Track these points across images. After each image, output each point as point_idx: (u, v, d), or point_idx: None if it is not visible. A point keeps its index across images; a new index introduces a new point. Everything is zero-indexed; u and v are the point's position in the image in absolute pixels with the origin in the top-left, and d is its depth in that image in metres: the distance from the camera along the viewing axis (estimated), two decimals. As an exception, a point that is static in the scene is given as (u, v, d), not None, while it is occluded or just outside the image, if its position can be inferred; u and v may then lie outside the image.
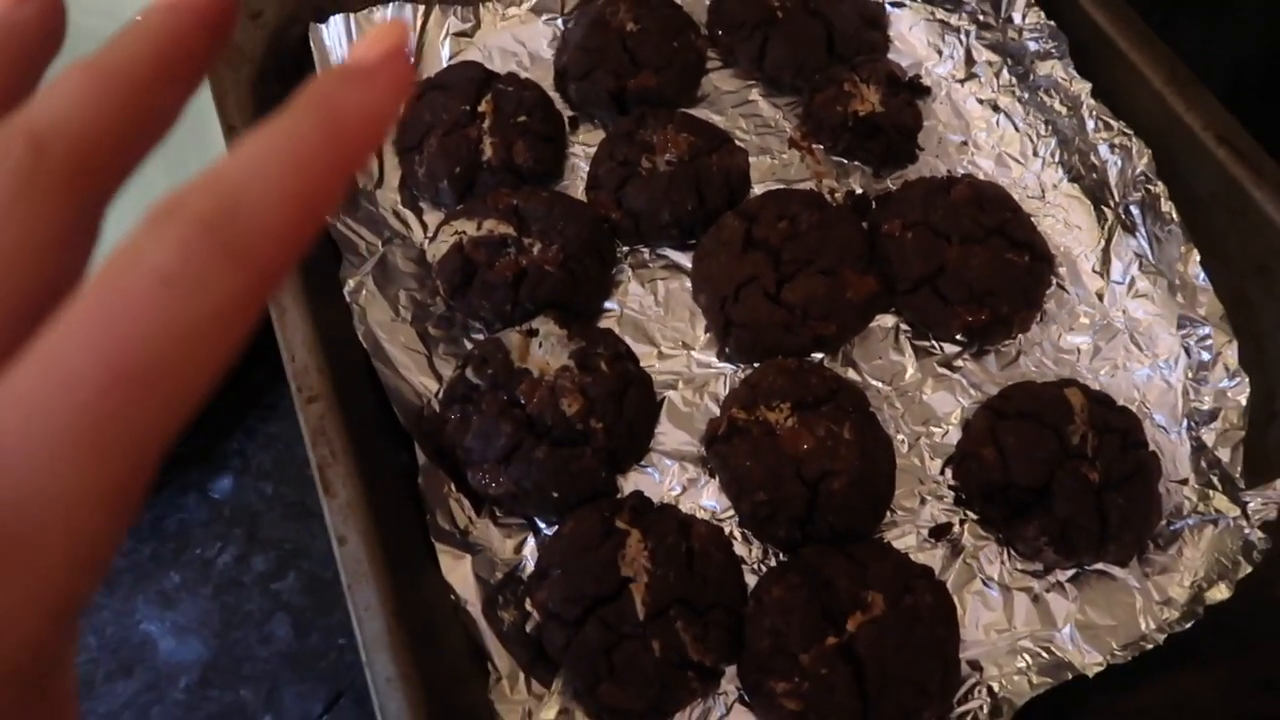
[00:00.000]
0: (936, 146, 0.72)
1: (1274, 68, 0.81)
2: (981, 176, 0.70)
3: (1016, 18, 0.70)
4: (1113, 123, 0.65)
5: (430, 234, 0.68)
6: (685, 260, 0.67)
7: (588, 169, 0.71)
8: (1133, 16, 0.65)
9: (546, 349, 0.61)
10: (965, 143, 0.72)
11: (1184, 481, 0.59)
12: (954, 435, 0.61)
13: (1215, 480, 0.57)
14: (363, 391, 0.58)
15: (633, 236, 0.68)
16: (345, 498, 0.50)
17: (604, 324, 0.66)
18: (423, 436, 0.58)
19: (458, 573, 0.54)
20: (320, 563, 0.60)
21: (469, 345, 0.64)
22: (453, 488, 0.58)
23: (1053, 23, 0.68)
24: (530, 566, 0.57)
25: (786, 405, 0.58)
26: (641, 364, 0.63)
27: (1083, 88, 0.66)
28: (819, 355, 0.64)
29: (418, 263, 0.67)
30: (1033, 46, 0.69)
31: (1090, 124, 0.65)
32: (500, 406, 0.58)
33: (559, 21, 0.78)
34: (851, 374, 0.63)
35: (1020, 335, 0.64)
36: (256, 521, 0.61)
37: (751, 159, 0.71)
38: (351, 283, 0.63)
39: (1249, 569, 0.53)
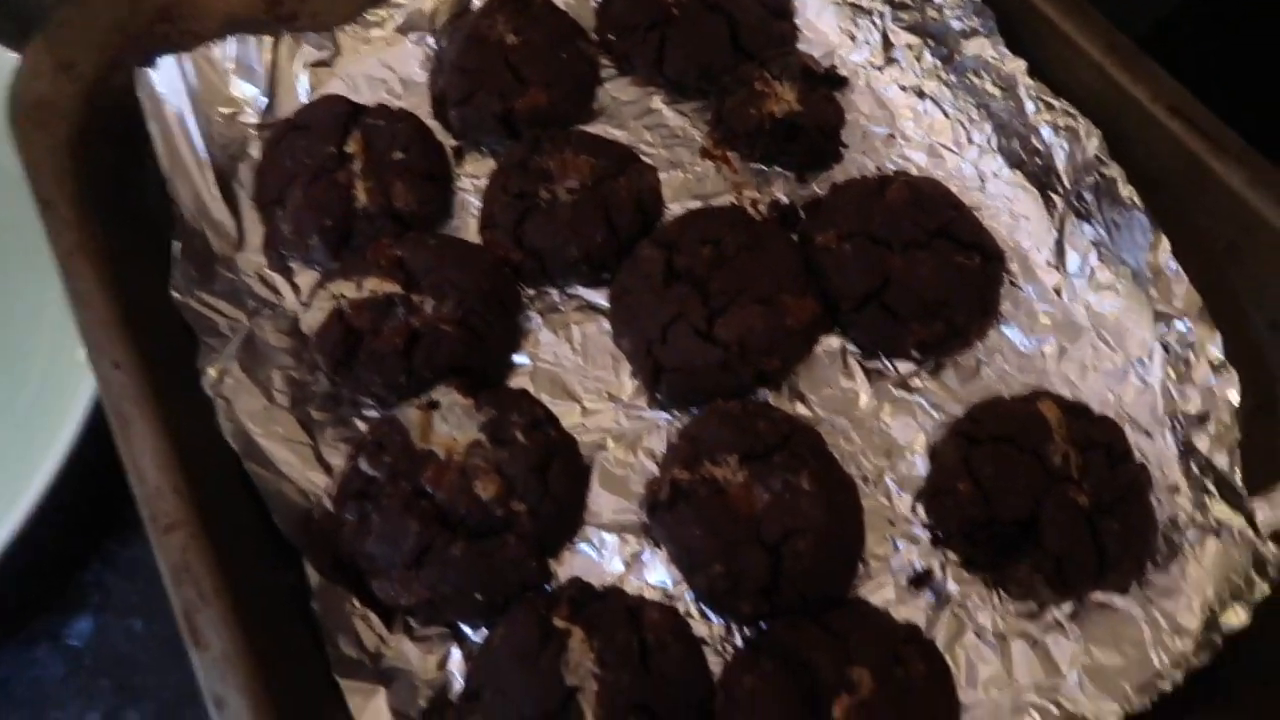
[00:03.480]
0: (861, 142, 0.65)
1: (1199, 16, 0.77)
2: (914, 171, 0.63)
3: (934, -3, 0.64)
4: (1054, 102, 0.59)
5: (305, 298, 0.59)
6: (600, 298, 0.60)
7: (480, 206, 0.62)
8: (1060, -17, 0.59)
9: (452, 423, 0.52)
10: (892, 135, 0.65)
11: (1174, 489, 0.53)
12: (921, 465, 0.54)
13: (1210, 486, 0.52)
14: (234, 503, 0.49)
15: (538, 278, 0.60)
16: (220, 649, 0.41)
17: (515, 383, 0.57)
18: (314, 547, 0.49)
19: (371, 712, 0.45)
20: (211, 706, 0.51)
21: (362, 427, 0.55)
22: (356, 603, 0.49)
23: (975, -3, 0.62)
24: (458, 684, 0.48)
25: (734, 458, 0.51)
26: (563, 424, 0.55)
27: (1016, 66, 0.60)
28: (762, 392, 0.56)
29: (291, 335, 0.58)
30: (956, 25, 0.63)
31: (1029, 105, 0.59)
32: (404, 500, 0.50)
33: (430, 40, 0.70)
34: (800, 408, 0.56)
35: (978, 343, 0.58)
36: (127, 668, 0.51)
37: (662, 175, 0.63)
38: (212, 371, 0.53)
39: (1266, 589, 0.48)
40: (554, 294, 0.60)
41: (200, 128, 0.62)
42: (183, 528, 0.44)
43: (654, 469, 0.54)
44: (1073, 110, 0.58)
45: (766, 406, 0.54)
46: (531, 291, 0.60)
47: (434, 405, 0.53)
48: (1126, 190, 0.55)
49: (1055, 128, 0.58)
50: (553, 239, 0.58)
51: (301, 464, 0.53)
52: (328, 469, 0.53)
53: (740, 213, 0.60)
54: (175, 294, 0.55)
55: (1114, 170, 0.56)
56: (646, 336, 0.55)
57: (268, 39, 0.65)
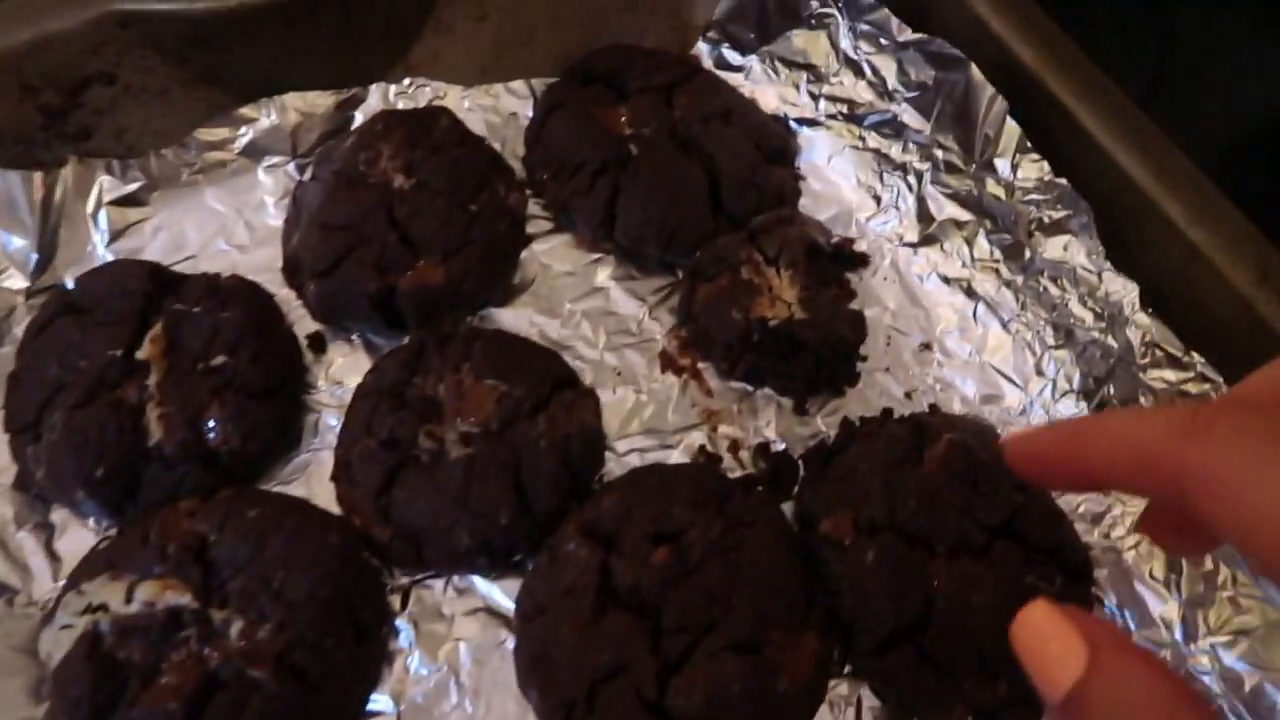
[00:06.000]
0: (884, 353, 0.47)
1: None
2: (957, 406, 0.45)
3: (1002, 167, 0.45)
4: (1181, 355, 0.40)
5: (54, 592, 0.39)
6: (505, 597, 0.41)
7: (338, 434, 0.43)
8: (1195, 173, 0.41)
9: None
10: (928, 346, 0.47)
11: None
12: None
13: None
14: None
15: (412, 564, 0.41)
16: None
17: (368, 740, 0.38)
18: None
19: None
20: None
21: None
22: None
23: (1064, 181, 0.44)
24: None
25: None
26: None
27: (1125, 292, 0.42)
28: (737, 774, 0.38)
29: (28, 652, 0.38)
30: (1031, 211, 0.45)
31: (1139, 350, 0.41)
32: None
33: (292, 168, 0.50)
34: (792, 798, 0.38)
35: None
36: None
37: (604, 396, 0.45)
38: None
39: None
40: (436, 587, 0.41)
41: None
42: None
43: None
44: (1211, 370, 0.40)
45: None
46: (404, 579, 0.41)
47: (224, 815, 0.34)
48: None
49: (1181, 390, 0.40)
50: (433, 518, 0.39)
51: None
52: None
53: (712, 476, 0.41)
54: None
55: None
56: (565, 696, 0.36)
57: (36, 173, 0.45)
